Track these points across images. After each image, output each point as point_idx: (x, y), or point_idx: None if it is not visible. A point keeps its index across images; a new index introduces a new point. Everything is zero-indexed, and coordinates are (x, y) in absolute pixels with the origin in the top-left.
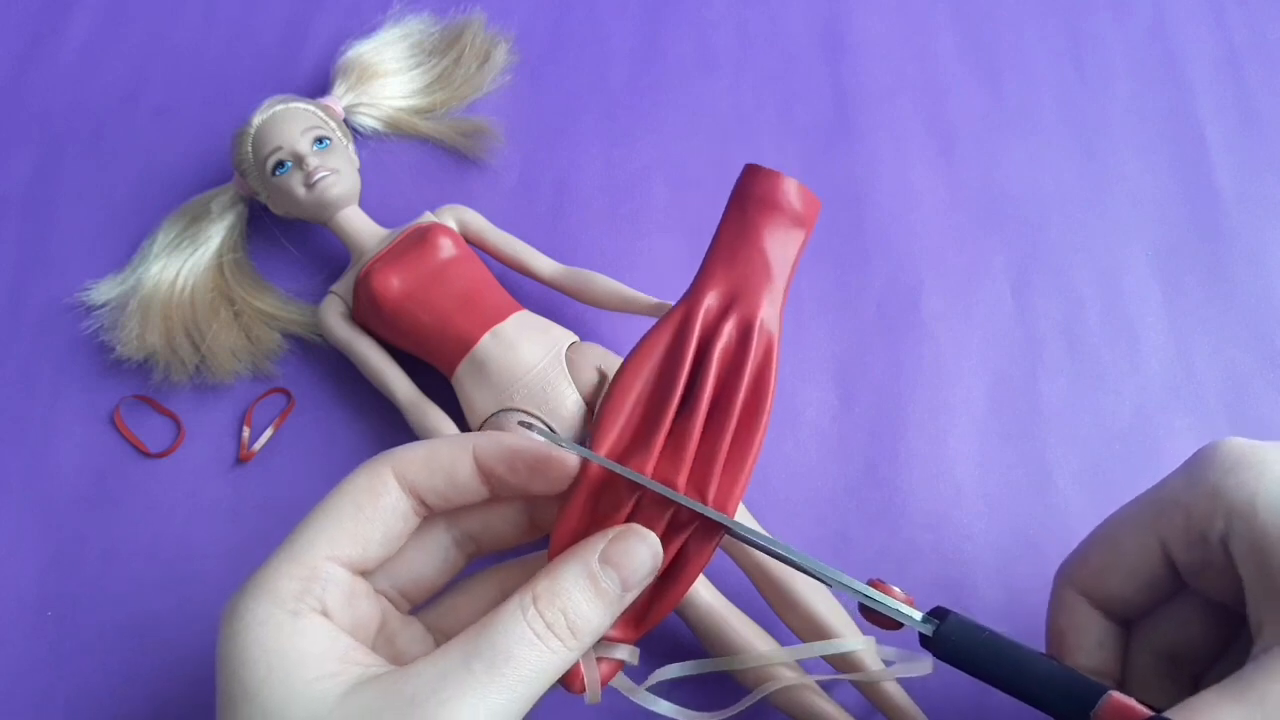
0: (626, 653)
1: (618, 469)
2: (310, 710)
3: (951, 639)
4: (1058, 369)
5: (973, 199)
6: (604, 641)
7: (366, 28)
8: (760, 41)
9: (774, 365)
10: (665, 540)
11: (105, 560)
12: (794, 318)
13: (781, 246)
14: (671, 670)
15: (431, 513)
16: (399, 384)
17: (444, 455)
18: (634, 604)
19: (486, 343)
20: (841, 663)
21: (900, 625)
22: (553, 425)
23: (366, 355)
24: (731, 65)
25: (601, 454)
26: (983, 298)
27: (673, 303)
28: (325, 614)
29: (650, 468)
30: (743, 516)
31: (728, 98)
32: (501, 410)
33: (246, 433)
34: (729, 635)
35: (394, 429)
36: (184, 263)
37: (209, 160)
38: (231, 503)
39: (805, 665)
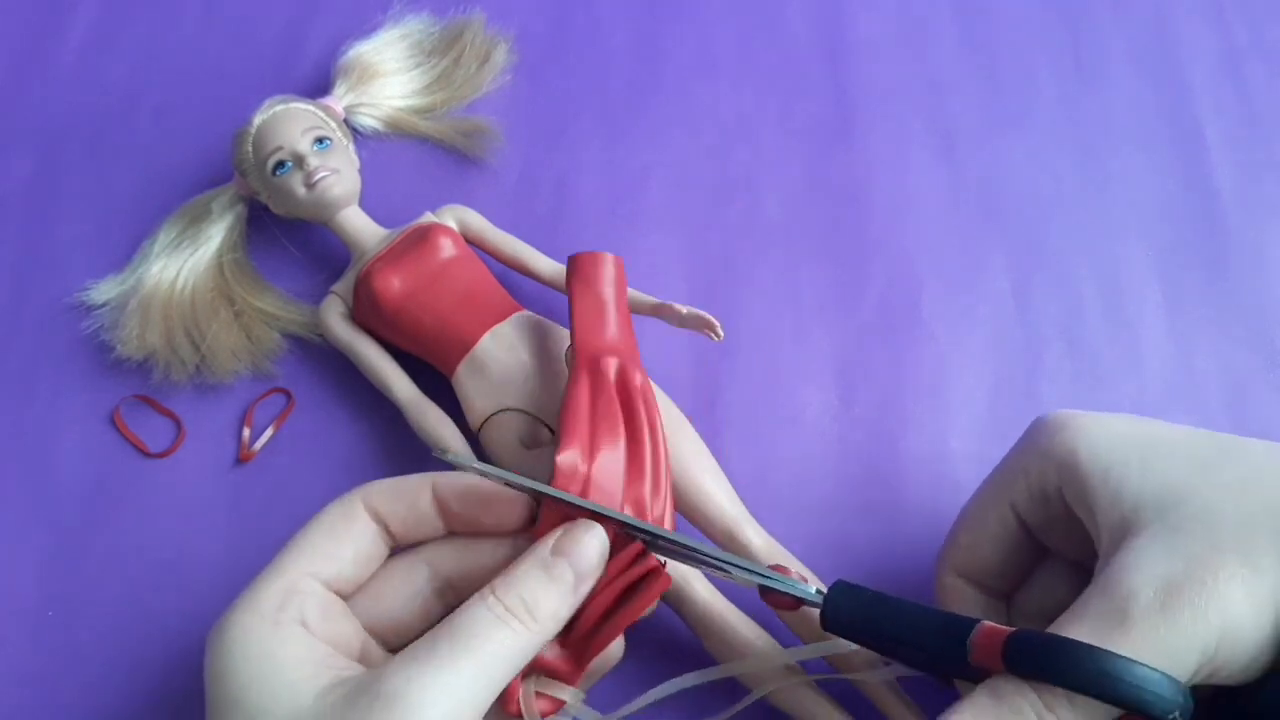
0: (570, 694)
1: (565, 497)
2: (290, 708)
3: (838, 604)
4: (1058, 369)
5: (973, 199)
6: (545, 678)
7: (366, 28)
8: (760, 42)
9: (654, 398)
10: (633, 559)
11: (105, 560)
12: (794, 318)
13: (613, 303)
14: (655, 693)
15: (397, 541)
16: (399, 384)
17: (408, 487)
18: (576, 635)
19: (486, 343)
20: (841, 662)
21: (800, 604)
22: (553, 426)
23: (367, 355)
24: (731, 65)
25: (571, 487)
26: (983, 298)
27: (674, 303)
28: (304, 625)
29: (621, 455)
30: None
31: (728, 98)
32: (501, 410)
33: (247, 433)
34: (728, 633)
35: (394, 429)
36: (184, 263)
37: (209, 160)
38: (231, 502)
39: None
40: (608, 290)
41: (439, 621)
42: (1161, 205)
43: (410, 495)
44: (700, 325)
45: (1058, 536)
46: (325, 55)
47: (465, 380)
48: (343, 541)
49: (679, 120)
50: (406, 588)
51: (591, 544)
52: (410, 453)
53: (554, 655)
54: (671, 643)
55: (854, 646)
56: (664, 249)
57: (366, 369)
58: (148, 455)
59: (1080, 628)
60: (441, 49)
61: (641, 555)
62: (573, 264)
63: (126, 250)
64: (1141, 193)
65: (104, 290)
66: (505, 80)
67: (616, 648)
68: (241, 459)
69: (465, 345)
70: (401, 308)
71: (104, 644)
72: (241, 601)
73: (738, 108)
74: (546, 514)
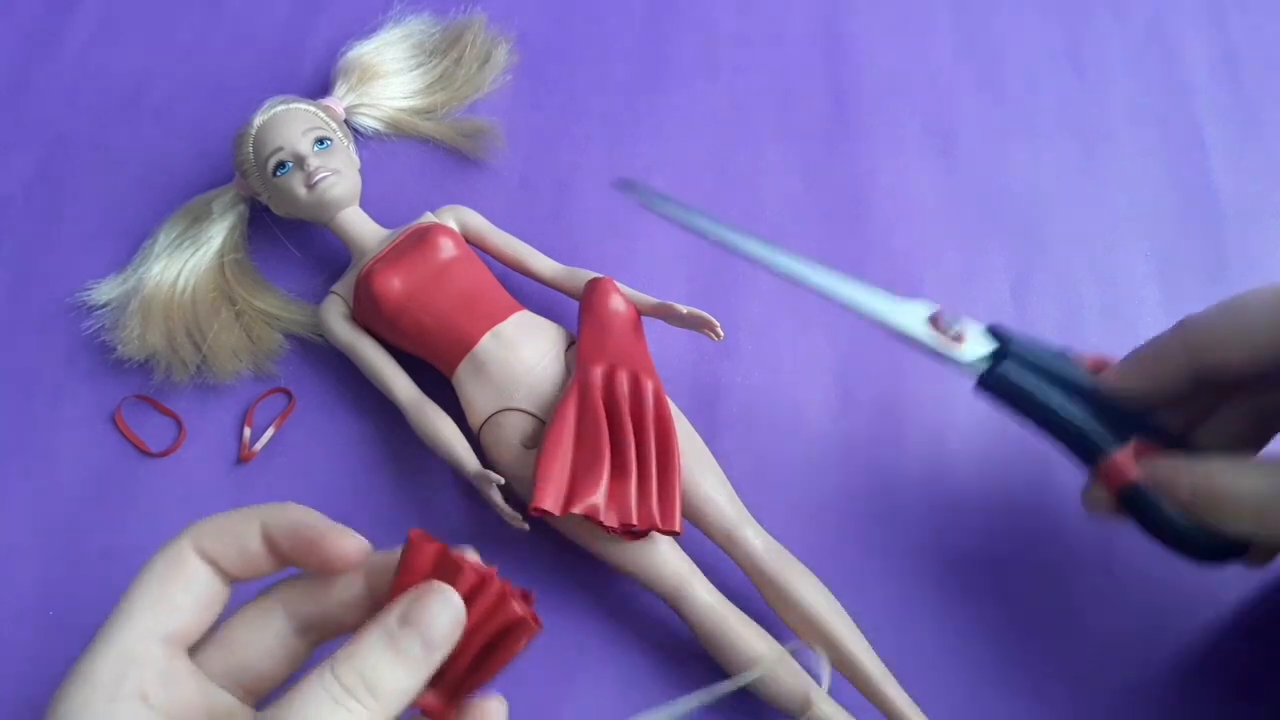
0: None
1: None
2: None
3: (1003, 372)
4: None
5: (972, 199)
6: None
7: (367, 28)
8: (760, 41)
9: (667, 403)
10: (495, 609)
11: (106, 560)
12: (794, 318)
13: (627, 322)
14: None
15: (234, 580)
16: (400, 384)
17: (234, 525)
18: (450, 673)
19: (487, 343)
20: (840, 664)
21: None
22: None
23: (367, 355)
24: (731, 65)
25: (549, 496)
26: (983, 298)
27: (673, 303)
28: (144, 699)
29: (601, 495)
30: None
31: (728, 98)
32: (502, 410)
33: (247, 432)
34: (729, 635)
35: (395, 429)
36: (185, 263)
37: (210, 161)
38: (232, 502)
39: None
40: (613, 306)
41: (303, 662)
42: (1161, 205)
43: (238, 535)
44: (700, 325)
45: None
46: (326, 56)
47: (466, 380)
48: (176, 590)
49: (679, 120)
50: (263, 633)
51: (444, 612)
52: (411, 453)
53: (430, 697)
54: (671, 642)
55: (746, 680)
56: (664, 249)
57: (367, 369)
58: (149, 455)
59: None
60: (442, 49)
61: (502, 603)
62: (585, 291)
63: (127, 250)
64: (1141, 193)
65: (105, 290)
66: (506, 81)
67: (497, 706)
68: (242, 459)
69: (466, 345)
70: (402, 308)
71: None
72: (77, 674)
73: (738, 107)
74: (413, 559)
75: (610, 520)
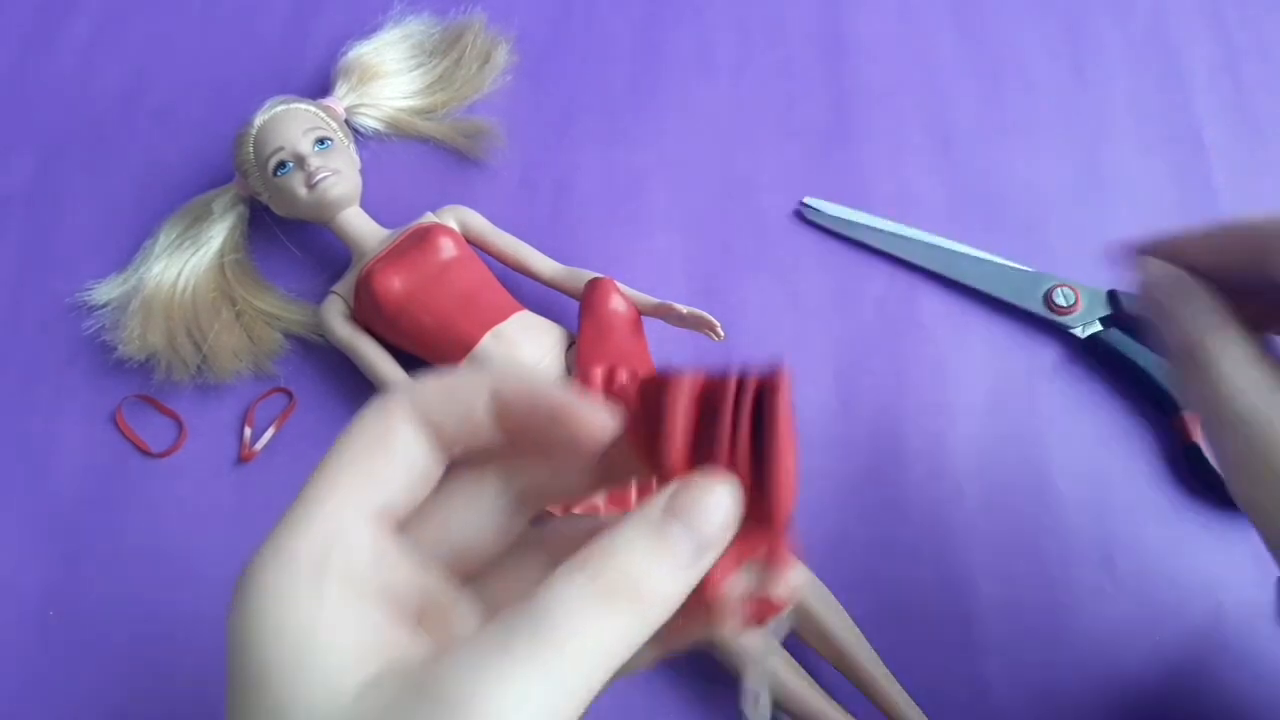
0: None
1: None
2: (324, 707)
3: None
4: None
5: (972, 199)
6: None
7: (367, 29)
8: (760, 42)
9: None
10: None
11: (107, 560)
12: (794, 318)
13: (627, 322)
14: None
15: (449, 451)
16: (400, 383)
17: (460, 389)
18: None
19: (487, 343)
20: (839, 663)
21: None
22: None
23: (367, 355)
24: (731, 66)
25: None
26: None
27: (673, 303)
28: (350, 581)
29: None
30: None
31: (728, 98)
32: None
33: (248, 432)
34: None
35: None
36: (185, 263)
37: (210, 161)
38: (233, 502)
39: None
40: (613, 306)
41: (515, 537)
42: (1159, 206)
43: (463, 399)
44: (700, 325)
45: None
46: (326, 56)
47: None
48: (389, 460)
49: (679, 120)
50: (476, 503)
51: (719, 504)
52: None
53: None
54: None
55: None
56: (664, 249)
57: (367, 369)
58: (149, 455)
59: None
60: (442, 50)
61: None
62: (585, 291)
63: (127, 250)
64: (1141, 193)
65: (105, 290)
66: (506, 81)
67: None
68: (243, 458)
69: (466, 345)
70: (402, 308)
71: (105, 644)
72: (272, 550)
73: (738, 108)
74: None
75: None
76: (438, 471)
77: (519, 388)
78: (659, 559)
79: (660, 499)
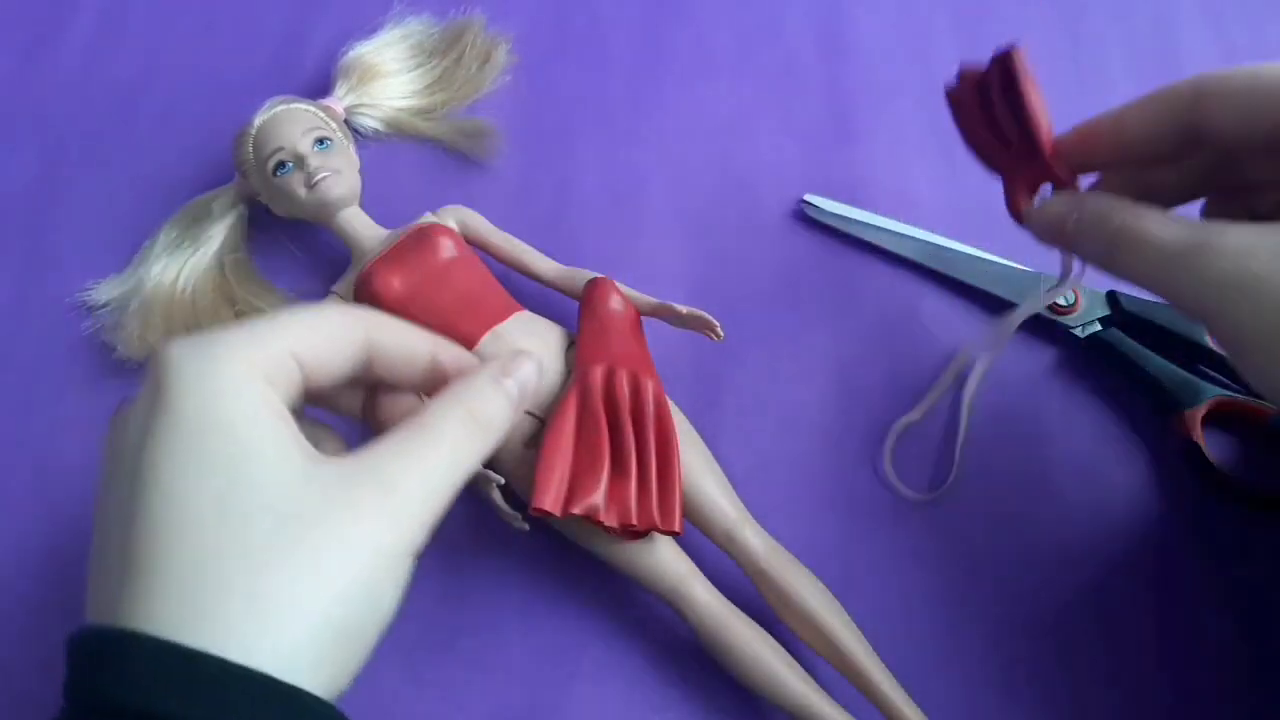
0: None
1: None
2: (285, 475)
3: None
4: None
5: (972, 199)
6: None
7: (367, 29)
8: (760, 42)
9: (667, 403)
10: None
11: None
12: (794, 319)
13: (627, 322)
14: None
15: (364, 375)
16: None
17: (411, 339)
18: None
19: (487, 343)
20: (839, 664)
21: None
22: None
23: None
24: (731, 66)
25: (549, 496)
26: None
27: (673, 303)
28: (286, 399)
29: (601, 496)
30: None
31: (728, 98)
32: None
33: None
34: (729, 635)
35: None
36: (185, 263)
37: (210, 161)
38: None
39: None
40: (612, 306)
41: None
42: None
43: (411, 350)
44: (700, 325)
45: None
46: (326, 56)
47: None
48: (334, 352)
49: (679, 120)
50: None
51: (531, 371)
52: None
53: None
54: (671, 642)
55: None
56: (664, 249)
57: None
58: None
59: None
60: (442, 50)
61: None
62: (584, 291)
63: (127, 250)
64: None
65: (105, 290)
66: (506, 81)
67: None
68: None
69: (466, 345)
70: (402, 308)
71: None
72: (227, 337)
73: (738, 108)
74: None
75: (610, 520)
76: (350, 374)
77: (459, 362)
78: (499, 398)
79: (496, 366)
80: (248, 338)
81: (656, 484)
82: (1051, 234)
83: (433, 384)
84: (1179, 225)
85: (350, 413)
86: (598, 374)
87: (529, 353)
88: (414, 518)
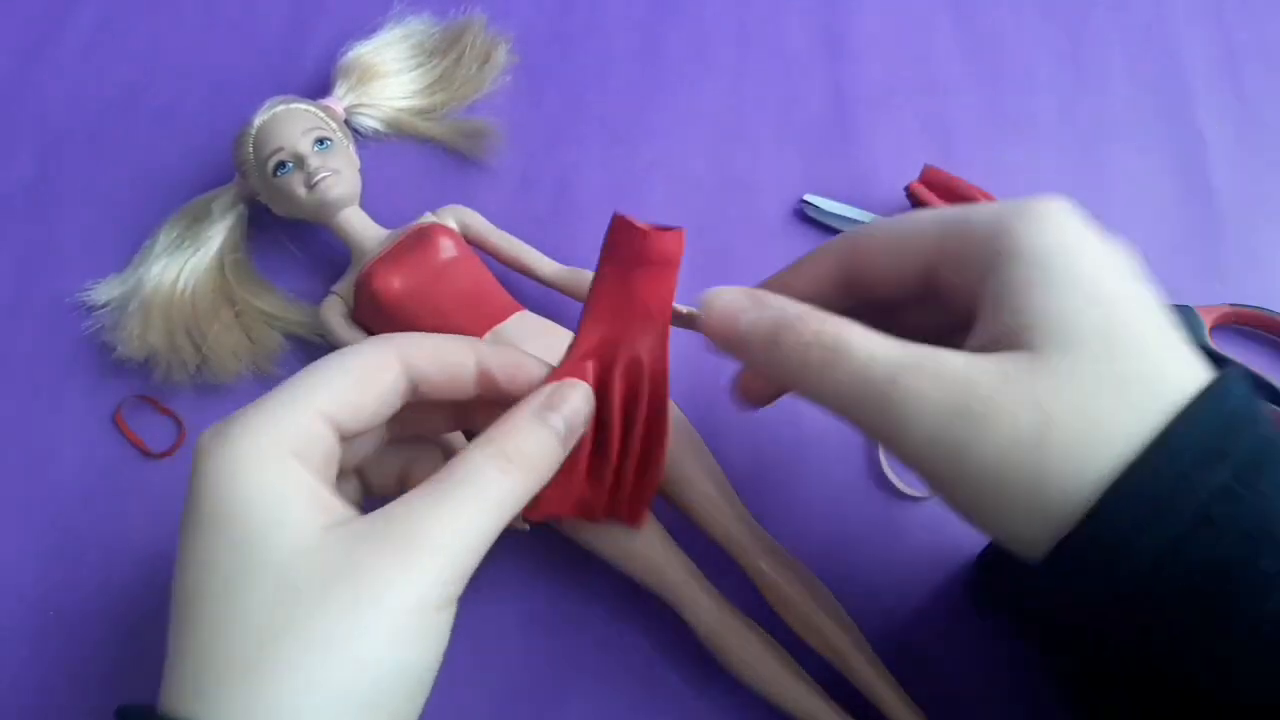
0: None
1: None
2: (295, 540)
3: None
4: None
5: None
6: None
7: (367, 29)
8: (760, 42)
9: (667, 393)
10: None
11: (107, 560)
12: None
13: (657, 291)
14: None
15: (419, 400)
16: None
17: (452, 354)
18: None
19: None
20: (839, 664)
21: None
22: None
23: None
24: (731, 66)
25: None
26: None
27: (675, 303)
28: (309, 464)
29: (574, 494)
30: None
31: (728, 98)
32: None
33: None
34: (730, 635)
35: None
36: (185, 263)
37: (210, 161)
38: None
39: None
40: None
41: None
42: (1160, 206)
43: (454, 364)
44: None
45: (952, 302)
46: (326, 56)
47: None
48: (368, 394)
49: (679, 120)
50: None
51: (578, 398)
52: None
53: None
54: (672, 642)
55: None
56: None
57: None
58: (148, 455)
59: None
60: (442, 50)
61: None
62: (618, 232)
63: (127, 250)
64: (1141, 193)
65: (105, 290)
66: (506, 81)
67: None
68: None
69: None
70: (402, 308)
71: (105, 644)
72: (248, 419)
73: (738, 108)
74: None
75: (567, 512)
76: (394, 412)
77: (503, 360)
78: (541, 437)
79: (539, 396)
80: (271, 412)
81: (632, 482)
82: (720, 333)
83: (487, 395)
84: (885, 341)
85: (438, 431)
86: (589, 368)
87: (570, 382)
88: (444, 571)
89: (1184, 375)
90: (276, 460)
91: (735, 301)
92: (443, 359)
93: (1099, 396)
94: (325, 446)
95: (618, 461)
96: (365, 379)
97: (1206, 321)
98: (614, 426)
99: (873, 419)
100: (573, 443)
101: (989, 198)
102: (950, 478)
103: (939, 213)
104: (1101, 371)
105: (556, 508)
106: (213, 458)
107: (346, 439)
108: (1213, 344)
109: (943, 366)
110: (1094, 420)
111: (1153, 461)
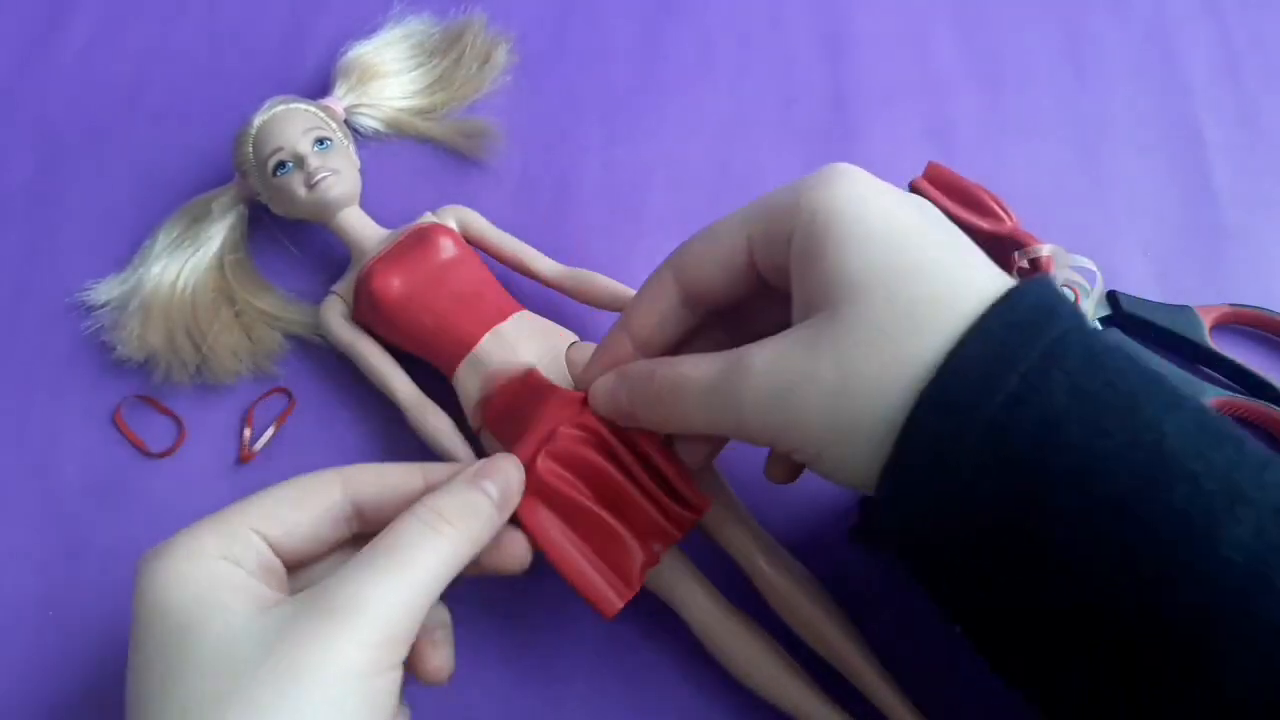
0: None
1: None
2: (224, 627)
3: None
4: None
5: None
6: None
7: (367, 29)
8: (760, 42)
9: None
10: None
11: (107, 560)
12: None
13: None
14: None
15: (364, 528)
16: (400, 384)
17: (397, 475)
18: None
19: (487, 343)
20: (839, 666)
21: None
22: None
23: (367, 355)
24: (731, 65)
25: (608, 595)
26: None
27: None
28: (243, 564)
29: (635, 546)
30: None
31: (728, 98)
32: None
33: (247, 433)
34: (729, 635)
35: (395, 429)
36: (185, 263)
37: (210, 161)
38: (233, 503)
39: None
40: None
41: (337, 545)
42: (1160, 206)
43: (399, 485)
44: None
45: (783, 284)
46: (326, 56)
47: (466, 380)
48: (305, 514)
49: (679, 120)
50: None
51: (511, 470)
52: (410, 453)
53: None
54: (671, 642)
55: None
56: (664, 249)
57: (367, 369)
58: (148, 455)
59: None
60: (442, 50)
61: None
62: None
63: (127, 250)
64: (1141, 193)
65: (105, 290)
66: (506, 81)
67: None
68: (242, 459)
69: (466, 345)
70: (402, 307)
71: (104, 644)
72: (182, 536)
73: (738, 108)
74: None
75: (663, 551)
76: (341, 539)
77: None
78: (474, 500)
79: (472, 468)
80: (203, 527)
81: (661, 491)
82: (619, 416)
83: None
84: (711, 358)
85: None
86: (535, 461)
87: (507, 455)
88: (382, 633)
89: (975, 296)
90: (208, 561)
91: (605, 385)
92: (385, 480)
93: (886, 335)
94: (261, 558)
95: (644, 482)
96: (302, 499)
97: (1206, 321)
98: (607, 487)
99: (727, 428)
100: (509, 512)
101: (995, 199)
102: (791, 448)
103: (744, 210)
104: (886, 311)
105: (642, 566)
106: (150, 570)
107: (292, 562)
108: (1213, 344)
109: (754, 361)
110: (885, 359)
111: (940, 383)
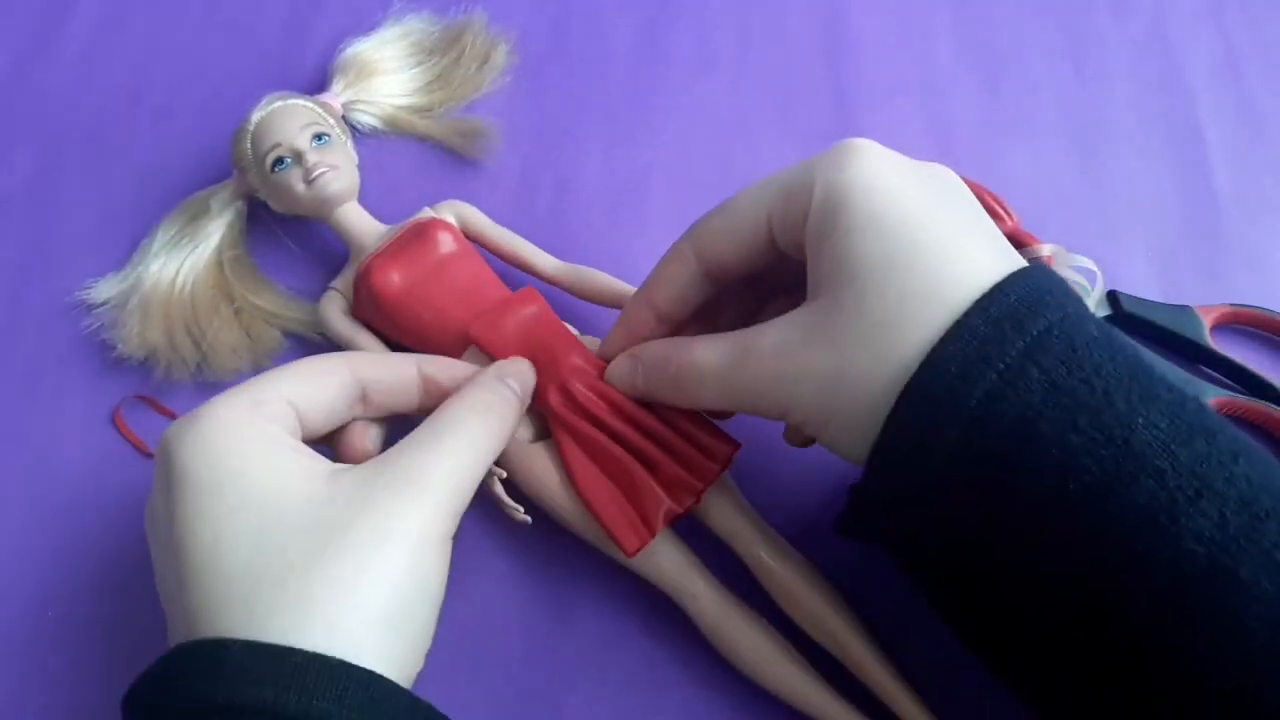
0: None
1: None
2: (305, 490)
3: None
4: None
5: None
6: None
7: (367, 27)
8: (760, 42)
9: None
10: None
11: (106, 560)
12: None
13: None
14: None
15: (366, 411)
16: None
17: (394, 361)
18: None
19: None
20: (844, 661)
21: None
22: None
23: (367, 350)
24: (731, 65)
25: (631, 533)
26: None
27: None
28: (289, 430)
29: (660, 493)
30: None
31: (728, 98)
32: None
33: None
34: (733, 629)
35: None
36: (184, 260)
37: (209, 159)
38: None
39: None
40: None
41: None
42: (1160, 207)
43: (397, 369)
44: None
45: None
46: (326, 55)
47: None
48: (324, 389)
49: (679, 120)
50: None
51: (526, 370)
52: None
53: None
54: (675, 637)
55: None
56: (664, 249)
57: None
58: (148, 455)
59: (718, 344)
60: (441, 48)
61: None
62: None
63: (126, 249)
64: (1141, 194)
65: (104, 289)
66: (505, 81)
67: None
68: None
69: (466, 340)
70: (401, 303)
71: (104, 644)
72: (218, 404)
73: (738, 108)
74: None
75: (688, 503)
76: (347, 419)
77: (441, 365)
78: (504, 394)
79: (493, 368)
80: (242, 392)
81: (682, 440)
82: (635, 395)
83: (432, 400)
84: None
85: None
86: (557, 400)
87: (517, 360)
88: (443, 506)
89: (965, 288)
90: (261, 426)
91: (620, 367)
92: (386, 364)
93: (877, 328)
94: (293, 430)
95: (665, 446)
96: (320, 377)
97: (1206, 321)
98: (629, 430)
99: (741, 407)
100: (525, 403)
101: (996, 199)
102: (797, 424)
103: (761, 186)
104: (878, 303)
105: (666, 512)
106: (191, 438)
107: (308, 438)
108: (1213, 344)
109: (761, 346)
110: (874, 353)
111: (922, 378)
